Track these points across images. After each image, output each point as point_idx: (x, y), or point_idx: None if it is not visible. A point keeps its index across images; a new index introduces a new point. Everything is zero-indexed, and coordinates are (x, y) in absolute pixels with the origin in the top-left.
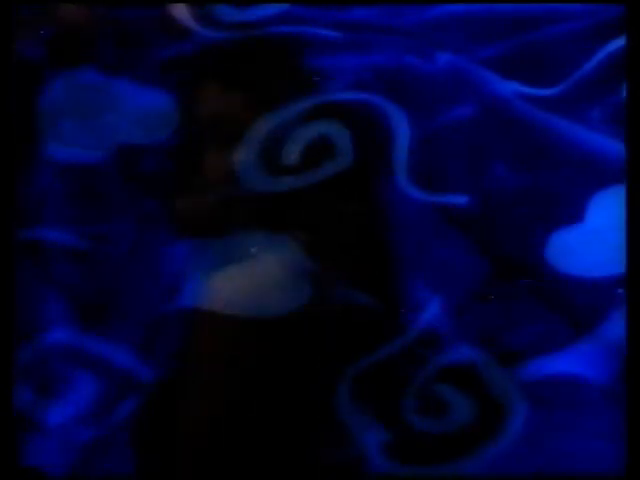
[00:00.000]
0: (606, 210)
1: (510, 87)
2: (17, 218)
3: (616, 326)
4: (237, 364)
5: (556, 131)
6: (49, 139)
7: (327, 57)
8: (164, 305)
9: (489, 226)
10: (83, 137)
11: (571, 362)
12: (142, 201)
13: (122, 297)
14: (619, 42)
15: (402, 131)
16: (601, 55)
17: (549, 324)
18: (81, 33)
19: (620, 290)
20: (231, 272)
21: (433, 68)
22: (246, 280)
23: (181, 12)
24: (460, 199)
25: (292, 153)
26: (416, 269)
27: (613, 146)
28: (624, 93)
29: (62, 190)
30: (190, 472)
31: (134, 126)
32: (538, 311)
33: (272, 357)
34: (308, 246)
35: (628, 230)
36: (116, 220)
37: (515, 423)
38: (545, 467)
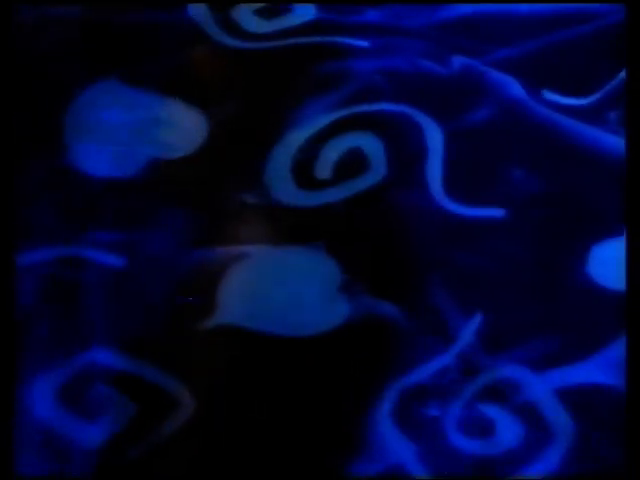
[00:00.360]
0: None
1: (541, 96)
2: (50, 235)
3: None
4: (275, 383)
5: (587, 138)
6: (78, 155)
7: (346, 62)
8: (201, 323)
9: (526, 239)
10: (113, 151)
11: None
12: (175, 215)
13: (159, 315)
14: None
15: (435, 142)
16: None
17: (581, 334)
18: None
19: None
20: (268, 289)
21: (448, 71)
22: (283, 297)
23: (206, 22)
24: (497, 212)
25: (325, 166)
26: (455, 285)
27: None
28: None
29: (97, 206)
30: None
31: (164, 139)
32: (573, 322)
33: (310, 376)
34: (343, 262)
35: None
36: (150, 235)
37: (560, 441)
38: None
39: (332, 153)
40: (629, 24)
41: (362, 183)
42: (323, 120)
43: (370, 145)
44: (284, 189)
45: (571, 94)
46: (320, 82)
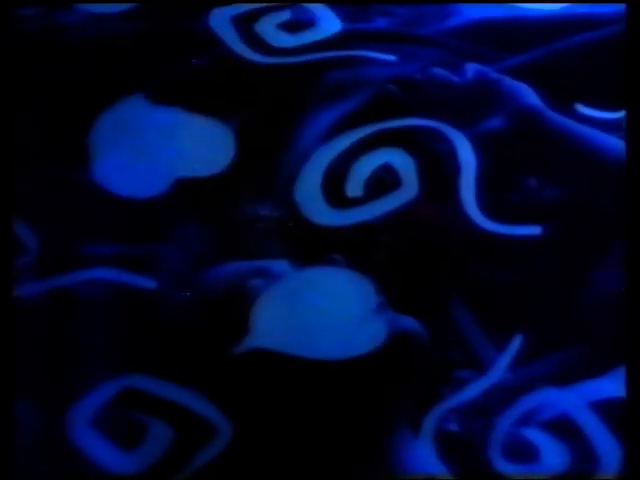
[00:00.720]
0: None
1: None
2: (76, 256)
3: None
4: (312, 407)
5: (612, 148)
6: (103, 174)
7: (363, 72)
8: (235, 347)
9: (563, 256)
10: (138, 171)
11: None
12: (203, 236)
13: (191, 339)
14: None
15: (467, 157)
16: None
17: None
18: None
19: None
20: (300, 311)
21: (462, 80)
22: (317, 319)
23: (230, 38)
24: (534, 229)
25: (356, 184)
26: (493, 306)
27: None
28: None
29: (123, 226)
30: None
31: (190, 158)
32: (606, 338)
33: (348, 400)
34: (377, 282)
35: None
36: (179, 256)
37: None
38: None
39: (363, 170)
40: (629, 23)
41: (394, 201)
42: (352, 136)
43: (401, 161)
44: (315, 208)
45: (600, 106)
46: (333, 92)
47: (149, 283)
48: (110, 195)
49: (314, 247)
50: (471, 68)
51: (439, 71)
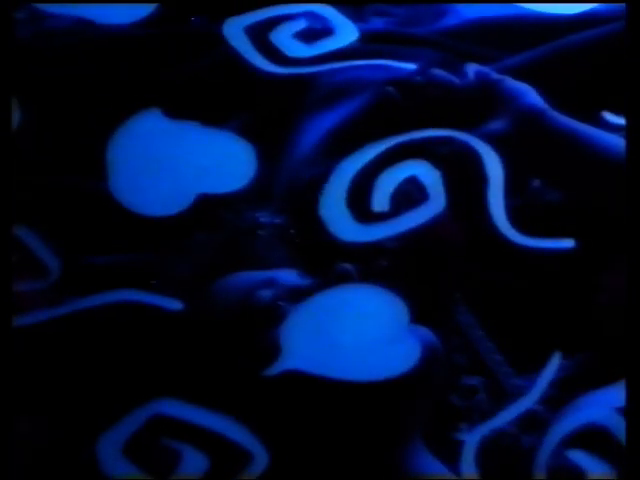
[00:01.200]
0: None
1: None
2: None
3: None
4: (347, 429)
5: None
6: (122, 190)
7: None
8: (266, 369)
9: (597, 269)
10: (158, 188)
11: None
12: (227, 253)
13: (222, 362)
14: None
15: (494, 168)
16: None
17: None
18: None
19: None
20: (332, 331)
21: (463, 81)
22: (349, 340)
23: (246, 49)
24: (567, 243)
25: (381, 198)
26: (530, 323)
27: None
28: None
29: (140, 244)
30: None
31: (209, 174)
32: None
33: (382, 422)
34: (409, 299)
35: None
36: (207, 277)
37: None
38: None
39: (388, 184)
40: (629, 22)
41: (422, 215)
42: (374, 149)
43: (427, 174)
44: (341, 223)
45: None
46: (331, 95)
47: (174, 304)
48: (131, 212)
49: (343, 265)
50: (471, 69)
51: (439, 72)
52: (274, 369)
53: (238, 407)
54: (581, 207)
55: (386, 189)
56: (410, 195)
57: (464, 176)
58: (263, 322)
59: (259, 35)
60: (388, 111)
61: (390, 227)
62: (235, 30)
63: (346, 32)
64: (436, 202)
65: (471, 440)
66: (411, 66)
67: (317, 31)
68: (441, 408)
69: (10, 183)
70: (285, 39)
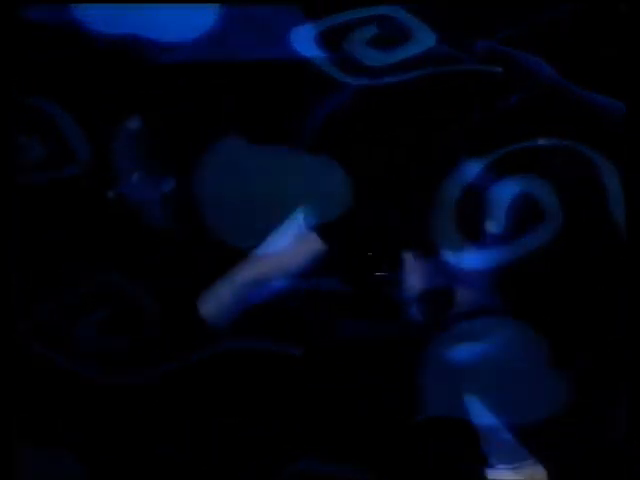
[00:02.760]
0: None
1: None
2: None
3: None
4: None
5: None
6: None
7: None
8: (410, 417)
9: None
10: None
11: None
12: (332, 284)
13: (358, 412)
14: None
15: (612, 180)
16: None
17: None
18: None
19: None
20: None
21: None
22: (489, 380)
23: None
24: None
25: (495, 219)
26: None
27: None
28: None
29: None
30: None
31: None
32: None
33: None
34: (537, 328)
35: None
36: (321, 317)
37: None
38: None
39: (499, 203)
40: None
41: (540, 235)
42: (476, 166)
43: (539, 189)
44: (453, 247)
45: None
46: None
47: (293, 350)
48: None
49: (464, 293)
50: (480, 44)
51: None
52: (420, 417)
53: (384, 460)
54: None
55: (498, 208)
56: (524, 214)
57: (579, 188)
58: None
59: (332, 45)
60: None
61: (508, 251)
62: (305, 40)
63: (424, 37)
64: (553, 220)
65: None
66: (497, 69)
67: (393, 37)
68: None
69: (10, 183)
70: (360, 47)
